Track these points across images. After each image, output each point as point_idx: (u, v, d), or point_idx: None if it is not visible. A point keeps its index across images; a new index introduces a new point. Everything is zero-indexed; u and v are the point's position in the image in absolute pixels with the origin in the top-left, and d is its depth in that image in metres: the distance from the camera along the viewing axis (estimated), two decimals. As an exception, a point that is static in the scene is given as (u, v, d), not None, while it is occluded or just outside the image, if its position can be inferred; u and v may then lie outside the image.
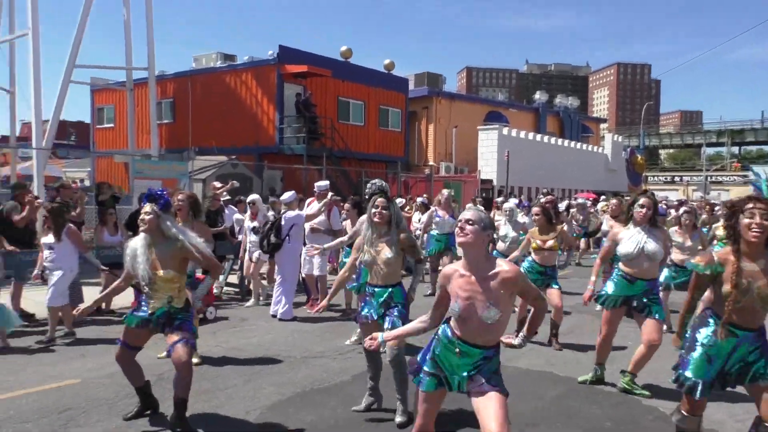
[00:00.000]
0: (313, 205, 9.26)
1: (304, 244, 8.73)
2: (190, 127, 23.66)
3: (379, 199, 4.62)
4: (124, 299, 7.70)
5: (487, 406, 3.04)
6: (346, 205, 8.24)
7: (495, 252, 8.71)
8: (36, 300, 8.46)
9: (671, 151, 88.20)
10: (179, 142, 23.56)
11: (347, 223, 8.30)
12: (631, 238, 5.27)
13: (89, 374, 5.68)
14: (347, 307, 8.72)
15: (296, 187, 18.97)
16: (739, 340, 3.53)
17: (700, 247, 7.41)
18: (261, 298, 9.49)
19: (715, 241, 8.50)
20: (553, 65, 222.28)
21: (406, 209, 14.09)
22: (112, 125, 27.13)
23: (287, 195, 8.78)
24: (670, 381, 3.91)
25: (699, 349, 3.61)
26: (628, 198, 6.25)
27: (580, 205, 15.23)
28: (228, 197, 11.19)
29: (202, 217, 7.01)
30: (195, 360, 5.86)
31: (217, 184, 10.69)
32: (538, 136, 29.76)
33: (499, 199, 15.66)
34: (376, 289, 4.67)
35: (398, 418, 4.56)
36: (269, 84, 21.86)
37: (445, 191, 11.10)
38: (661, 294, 6.57)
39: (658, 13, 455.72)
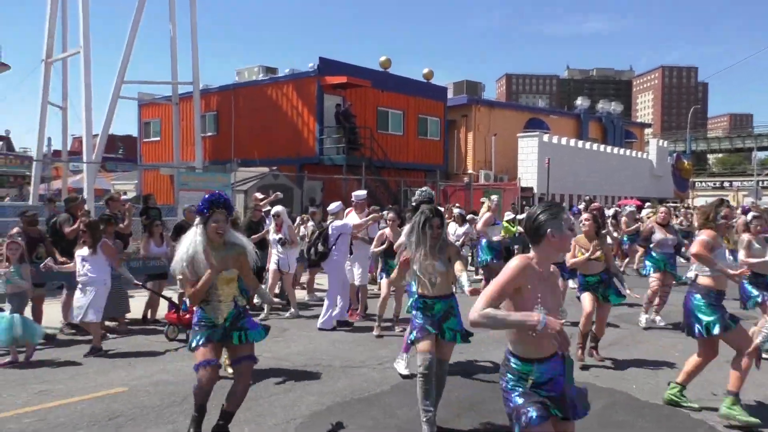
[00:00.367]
0: (352, 215, 9.32)
1: (351, 254, 8.79)
2: (232, 139, 24.17)
3: (436, 220, 4.68)
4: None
5: None
6: (390, 215, 8.23)
7: None
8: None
9: (720, 155, 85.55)
10: (222, 154, 24.09)
11: (387, 231, 8.29)
12: None
13: (136, 382, 5.82)
14: (395, 318, 8.58)
15: (336, 196, 19.19)
16: None
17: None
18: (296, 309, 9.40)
19: None
20: (594, 70, 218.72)
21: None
22: (158, 138, 27.91)
23: (334, 205, 8.83)
24: None
25: None
26: (674, 204, 6.07)
27: (630, 212, 14.76)
28: (269, 208, 11.35)
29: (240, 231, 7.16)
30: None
31: (259, 195, 10.85)
32: (580, 143, 29.30)
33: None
34: (431, 301, 4.68)
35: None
36: (309, 95, 22.17)
37: (494, 197, 11.11)
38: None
39: (703, 14, 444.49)
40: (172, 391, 5.50)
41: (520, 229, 14.57)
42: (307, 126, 22.40)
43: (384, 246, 8.04)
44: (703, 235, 4.97)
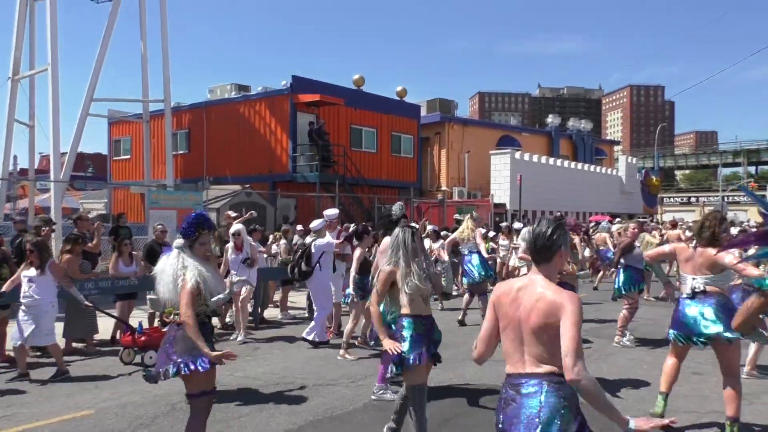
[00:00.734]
0: (326, 235, 9.27)
1: (334, 271, 8.74)
2: (204, 157, 23.99)
3: (417, 233, 4.62)
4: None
5: None
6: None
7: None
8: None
9: (687, 172, 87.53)
10: (194, 172, 23.88)
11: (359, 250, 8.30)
12: None
13: (103, 405, 5.70)
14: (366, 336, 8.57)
15: (310, 214, 19.14)
16: None
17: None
18: (243, 334, 8.89)
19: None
20: (565, 88, 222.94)
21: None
22: (128, 157, 27.58)
23: (317, 222, 8.68)
24: None
25: None
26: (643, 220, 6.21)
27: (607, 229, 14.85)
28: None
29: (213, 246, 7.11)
30: None
31: (232, 213, 10.78)
32: (551, 160, 29.74)
33: (517, 224, 15.60)
34: (428, 321, 4.50)
35: None
36: (282, 113, 22.16)
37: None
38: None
39: (670, 35, 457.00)
40: (140, 414, 5.39)
41: (493, 245, 14.73)
42: (280, 144, 22.37)
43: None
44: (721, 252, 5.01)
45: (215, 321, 8.76)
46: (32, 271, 6.81)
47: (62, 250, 8.35)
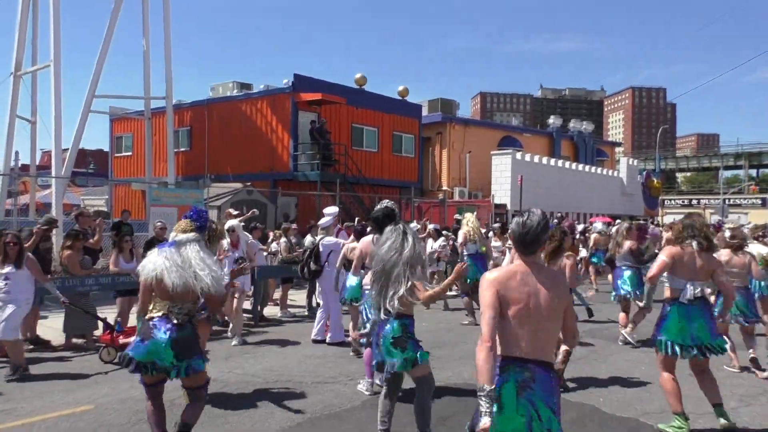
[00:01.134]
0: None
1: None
2: (206, 155, 24.01)
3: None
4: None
5: None
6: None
7: None
8: (50, 327, 8.59)
9: (688, 174, 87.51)
10: (195, 169, 23.90)
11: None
12: None
13: (103, 400, 5.72)
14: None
15: (310, 212, 19.17)
16: None
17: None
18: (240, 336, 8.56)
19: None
20: (567, 90, 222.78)
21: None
22: (129, 153, 27.61)
23: (325, 220, 8.63)
24: None
25: None
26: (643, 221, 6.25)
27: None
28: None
29: (211, 246, 7.07)
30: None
31: (233, 211, 10.78)
32: (552, 161, 29.74)
33: (496, 225, 15.43)
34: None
35: None
36: (284, 112, 22.18)
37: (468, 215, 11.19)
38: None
39: (671, 37, 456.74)
40: (140, 409, 5.39)
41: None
42: (281, 142, 22.38)
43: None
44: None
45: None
46: (8, 268, 6.70)
47: (63, 246, 8.39)
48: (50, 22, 16.47)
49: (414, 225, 11.27)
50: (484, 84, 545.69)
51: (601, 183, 32.33)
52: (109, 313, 8.90)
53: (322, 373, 6.80)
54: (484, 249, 11.53)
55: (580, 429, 5.08)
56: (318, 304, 9.42)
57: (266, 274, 10.96)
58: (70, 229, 8.75)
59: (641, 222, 15.99)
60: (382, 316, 4.44)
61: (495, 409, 2.74)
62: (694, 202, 55.71)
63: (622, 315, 8.81)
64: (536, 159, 28.05)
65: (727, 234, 7.09)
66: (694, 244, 5.06)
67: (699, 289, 5.03)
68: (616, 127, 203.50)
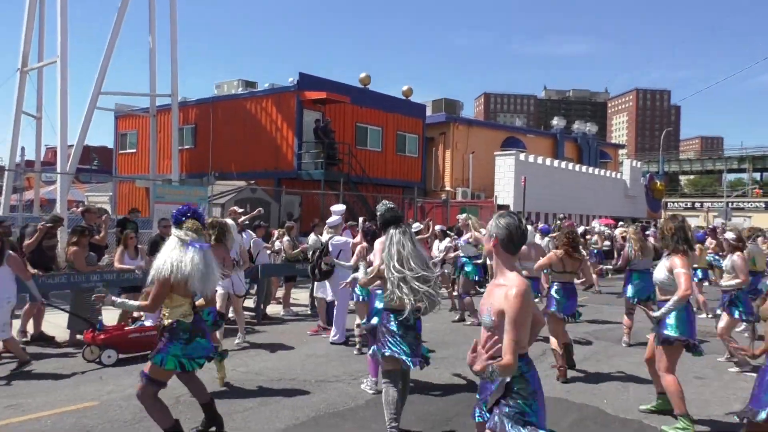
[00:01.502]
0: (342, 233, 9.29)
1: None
2: (210, 153, 24.06)
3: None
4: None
5: None
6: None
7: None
8: (55, 323, 8.62)
9: (691, 177, 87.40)
10: (200, 167, 23.95)
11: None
12: None
13: (107, 396, 5.75)
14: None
15: (314, 211, 19.20)
16: None
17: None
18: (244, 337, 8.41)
19: None
20: (571, 91, 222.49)
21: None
22: (134, 150, 27.67)
23: (333, 219, 8.65)
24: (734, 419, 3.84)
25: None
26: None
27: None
28: (247, 221, 11.32)
29: (226, 241, 7.10)
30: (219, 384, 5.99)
31: (238, 209, 10.80)
32: (556, 162, 29.73)
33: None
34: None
35: None
36: (289, 110, 22.21)
37: (461, 216, 11.21)
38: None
39: (676, 39, 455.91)
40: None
41: None
42: (285, 140, 22.42)
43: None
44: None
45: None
46: None
47: (69, 242, 8.41)
48: (57, 17, 16.50)
49: (417, 225, 11.28)
50: (487, 84, 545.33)
51: (604, 185, 32.30)
52: (113, 311, 8.93)
53: (326, 372, 6.82)
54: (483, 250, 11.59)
55: (583, 430, 5.09)
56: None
57: (269, 272, 10.98)
58: (75, 226, 8.77)
59: (644, 224, 16.03)
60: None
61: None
62: (698, 205, 55.68)
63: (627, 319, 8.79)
64: (539, 160, 28.04)
65: (731, 236, 7.15)
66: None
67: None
68: (620, 129, 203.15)
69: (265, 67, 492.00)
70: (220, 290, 7.60)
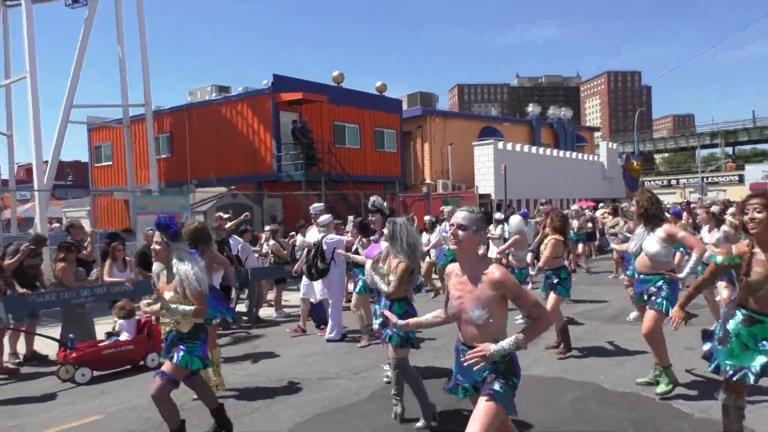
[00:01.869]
0: (312, 230, 9.32)
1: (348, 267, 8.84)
2: (188, 161, 23.88)
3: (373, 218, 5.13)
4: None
5: (475, 412, 3.09)
6: (349, 226, 8.37)
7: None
8: (46, 342, 8.53)
9: (666, 155, 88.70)
10: (178, 175, 23.76)
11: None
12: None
13: (111, 410, 5.73)
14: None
15: (297, 213, 19.17)
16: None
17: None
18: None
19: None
20: (543, 77, 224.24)
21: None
22: (110, 163, 27.35)
23: (324, 218, 8.68)
24: (710, 371, 3.95)
25: (733, 339, 3.75)
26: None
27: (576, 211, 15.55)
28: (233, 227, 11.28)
29: (210, 247, 7.08)
30: (218, 389, 5.95)
31: (224, 215, 10.77)
32: (534, 149, 29.99)
33: (497, 215, 15.69)
34: None
35: (419, 423, 4.80)
36: (265, 113, 22.12)
37: (446, 208, 11.32)
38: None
39: (645, 20, 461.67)
40: (149, 416, 5.43)
41: None
42: (263, 143, 22.33)
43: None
44: None
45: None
46: None
47: (56, 259, 8.34)
48: (24, 33, 16.28)
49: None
50: (460, 76, 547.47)
51: (582, 168, 32.69)
52: (105, 324, 8.86)
53: (325, 370, 6.86)
54: None
55: (584, 407, 5.21)
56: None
57: (259, 275, 10.98)
58: (61, 242, 8.68)
59: (623, 205, 16.31)
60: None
61: None
62: (674, 182, 56.55)
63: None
64: (518, 148, 28.27)
65: (716, 209, 7.42)
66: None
67: None
68: (594, 112, 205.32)
69: (237, 72, 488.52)
70: None
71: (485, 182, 26.18)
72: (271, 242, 12.08)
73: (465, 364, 3.09)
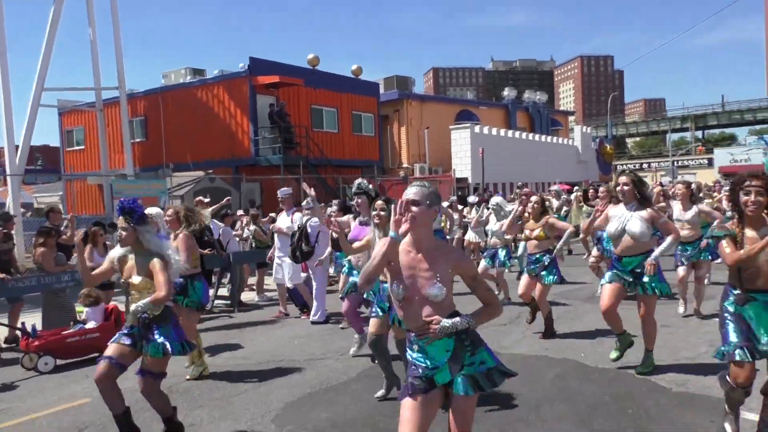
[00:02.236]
0: (282, 215, 9.31)
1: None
2: (163, 144, 23.57)
3: (378, 203, 4.91)
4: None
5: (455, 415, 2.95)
6: (335, 209, 8.37)
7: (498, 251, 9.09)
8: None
9: (638, 139, 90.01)
10: (153, 159, 23.46)
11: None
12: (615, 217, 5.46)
13: (97, 393, 5.72)
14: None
15: (275, 197, 19.08)
16: (762, 305, 3.79)
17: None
18: None
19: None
20: (518, 61, 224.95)
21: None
22: (82, 147, 26.87)
23: (307, 201, 8.74)
24: (712, 356, 4.07)
25: (728, 319, 3.90)
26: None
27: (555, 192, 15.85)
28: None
29: (195, 227, 7.01)
30: (197, 373, 5.96)
31: (205, 199, 10.72)
32: (510, 132, 30.26)
33: (471, 198, 15.80)
34: None
35: (378, 393, 5.16)
36: (242, 96, 21.92)
37: None
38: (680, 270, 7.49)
39: (617, 4, 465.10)
40: (138, 398, 5.42)
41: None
42: (240, 127, 22.16)
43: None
44: None
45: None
46: None
47: (36, 244, 8.25)
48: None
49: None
50: (435, 59, 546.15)
51: (557, 152, 33.11)
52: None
53: (312, 351, 6.94)
54: (443, 224, 11.97)
55: (565, 383, 5.38)
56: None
57: (241, 259, 10.97)
58: (40, 227, 8.59)
59: (597, 187, 16.61)
60: None
61: None
62: (645, 165, 57.45)
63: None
64: (494, 131, 28.50)
65: (693, 187, 7.73)
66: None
67: None
68: (567, 96, 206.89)
69: (211, 55, 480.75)
70: None
71: (462, 166, 26.38)
72: (252, 227, 12.08)
73: (421, 336, 2.93)
